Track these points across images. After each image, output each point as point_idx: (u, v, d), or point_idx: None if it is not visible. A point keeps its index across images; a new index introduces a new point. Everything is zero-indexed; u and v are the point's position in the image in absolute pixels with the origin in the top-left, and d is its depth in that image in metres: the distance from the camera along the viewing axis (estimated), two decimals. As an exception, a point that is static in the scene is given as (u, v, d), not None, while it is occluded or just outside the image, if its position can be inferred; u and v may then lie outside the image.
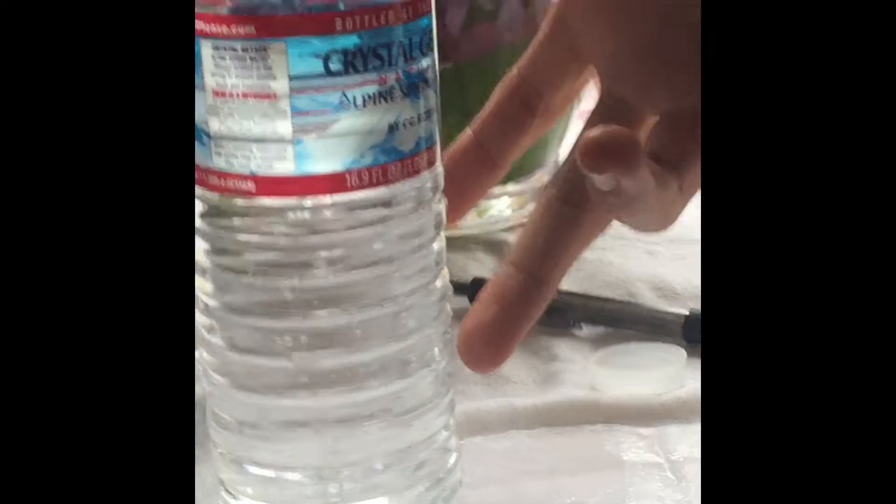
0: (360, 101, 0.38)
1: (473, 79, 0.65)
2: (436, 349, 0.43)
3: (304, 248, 0.40)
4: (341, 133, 0.38)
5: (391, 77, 0.39)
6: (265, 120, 0.38)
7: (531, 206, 0.70)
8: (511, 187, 0.71)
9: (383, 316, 0.41)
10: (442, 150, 0.66)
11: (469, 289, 0.60)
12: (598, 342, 0.57)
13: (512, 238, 0.68)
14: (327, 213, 0.39)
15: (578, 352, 0.56)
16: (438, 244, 0.42)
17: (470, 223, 0.69)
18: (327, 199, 0.39)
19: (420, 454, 0.43)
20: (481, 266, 0.65)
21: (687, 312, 0.56)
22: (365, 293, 0.40)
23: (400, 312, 0.41)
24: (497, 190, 0.70)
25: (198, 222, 0.41)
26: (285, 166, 0.39)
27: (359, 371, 0.41)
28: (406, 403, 0.42)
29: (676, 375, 0.52)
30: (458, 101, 0.66)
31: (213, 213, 0.41)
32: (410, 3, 0.39)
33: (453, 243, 0.67)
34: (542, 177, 0.72)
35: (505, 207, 0.70)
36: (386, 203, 0.40)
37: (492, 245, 0.67)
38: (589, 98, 0.89)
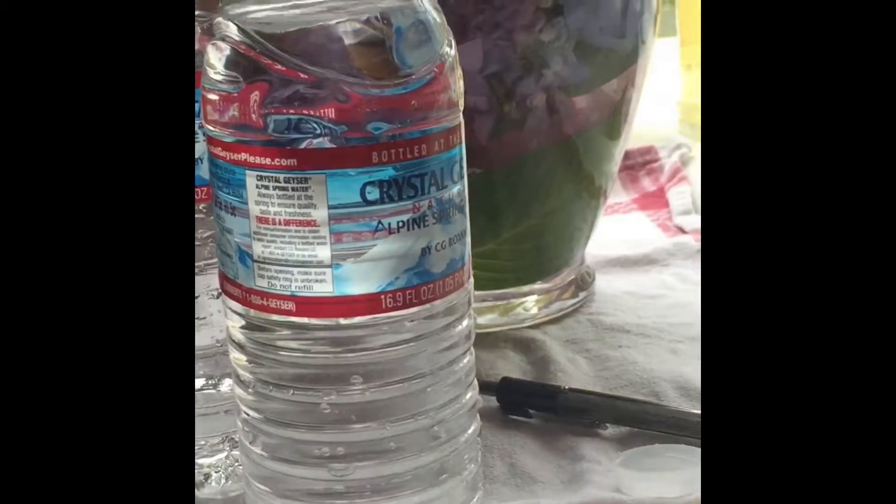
0: (394, 228, 0.41)
1: (501, 184, 0.68)
2: (466, 457, 0.45)
3: (342, 365, 0.42)
4: (377, 258, 0.41)
5: (424, 204, 0.41)
6: (306, 245, 0.41)
7: (557, 305, 0.72)
8: (538, 286, 0.73)
9: (417, 429, 0.43)
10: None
11: (498, 389, 0.62)
12: (624, 442, 0.58)
13: (539, 335, 0.70)
14: (364, 333, 0.42)
15: (604, 452, 0.57)
16: (469, 358, 0.45)
17: (497, 321, 0.71)
18: (364, 319, 0.41)
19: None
20: (509, 364, 0.67)
21: (708, 414, 0.57)
22: (399, 407, 0.42)
23: (433, 425, 0.43)
24: (524, 288, 0.72)
25: (239, 336, 0.44)
26: (324, 288, 0.41)
27: (392, 481, 0.43)
28: (439, 510, 0.44)
29: (698, 477, 0.54)
30: (487, 206, 0.68)
31: (254, 328, 0.43)
32: (443, 135, 0.41)
33: (481, 341, 0.69)
34: (568, 275, 0.74)
35: (532, 305, 0.72)
36: (419, 322, 0.42)
37: (520, 343, 0.69)
38: (615, 195, 0.92)
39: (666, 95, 1.10)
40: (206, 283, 0.55)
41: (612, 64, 0.68)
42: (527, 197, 0.69)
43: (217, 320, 0.54)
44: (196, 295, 0.55)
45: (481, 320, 0.71)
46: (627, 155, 0.97)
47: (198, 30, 0.53)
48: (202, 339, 0.55)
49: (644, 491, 0.53)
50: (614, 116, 0.70)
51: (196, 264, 0.55)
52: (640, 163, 0.96)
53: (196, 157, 0.52)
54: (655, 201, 0.91)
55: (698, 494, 0.53)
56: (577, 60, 0.66)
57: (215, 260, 0.53)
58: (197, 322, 0.55)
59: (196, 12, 0.53)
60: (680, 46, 1.11)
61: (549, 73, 0.65)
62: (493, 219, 0.69)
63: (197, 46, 0.53)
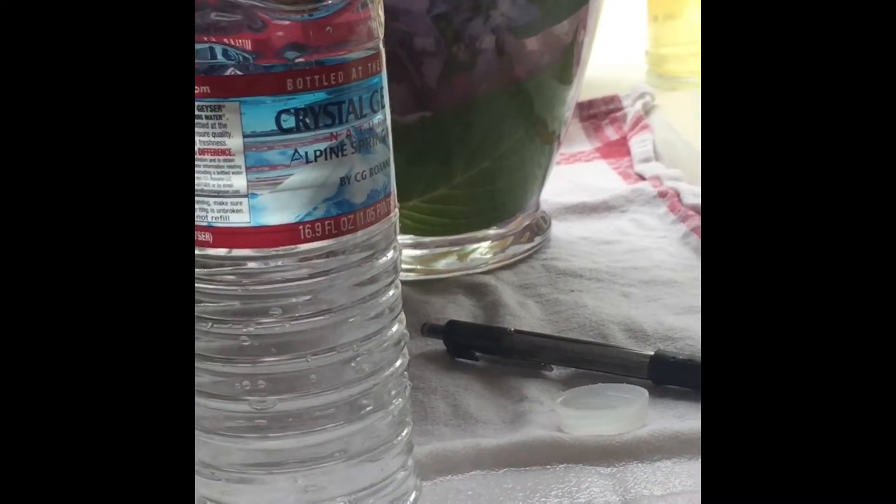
0: (311, 157, 0.40)
1: (452, 127, 0.67)
2: (392, 391, 0.44)
3: (260, 297, 0.41)
4: (294, 187, 0.40)
5: (342, 133, 0.41)
6: (222, 175, 0.40)
7: (512, 250, 0.72)
8: (492, 231, 0.72)
9: (337, 362, 0.42)
10: (419, 196, 0.68)
11: (444, 331, 0.62)
12: (568, 383, 0.58)
13: (492, 280, 0.69)
14: (281, 264, 0.41)
15: (547, 393, 0.57)
16: (393, 291, 0.44)
17: (451, 266, 0.71)
18: (281, 250, 0.41)
19: (381, 493, 0.44)
20: (460, 309, 0.66)
21: (653, 353, 0.57)
22: (319, 340, 0.42)
23: (354, 358, 0.43)
24: (479, 234, 0.72)
25: (163, 271, 0.43)
26: (241, 218, 0.40)
27: (315, 414, 0.42)
28: (363, 445, 0.43)
29: (638, 415, 0.53)
30: (438, 150, 0.68)
31: (176, 262, 0.43)
32: (361, 63, 0.41)
33: (433, 286, 0.69)
34: (522, 221, 0.74)
35: (486, 250, 0.72)
36: (338, 253, 0.42)
37: (472, 288, 0.69)
38: (578, 143, 0.91)
39: (634, 47, 1.09)
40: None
41: (563, 5, 0.68)
42: (478, 141, 0.68)
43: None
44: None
45: (435, 265, 0.71)
46: (591, 104, 0.96)
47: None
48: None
49: (584, 428, 0.53)
50: (565, 59, 0.69)
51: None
52: (604, 111, 0.96)
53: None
54: (618, 150, 0.90)
55: (637, 432, 0.53)
56: (525, 1, 0.65)
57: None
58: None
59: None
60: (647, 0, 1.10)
61: (497, 13, 0.65)
62: (444, 163, 0.69)
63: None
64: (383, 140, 0.42)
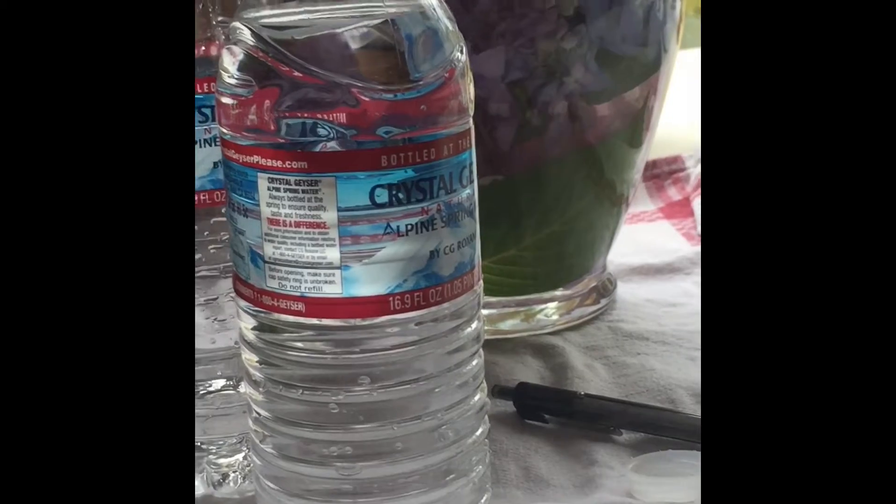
0: (403, 231, 0.41)
1: (523, 190, 0.68)
2: (474, 459, 0.45)
3: (350, 366, 0.42)
4: (385, 260, 0.41)
5: (433, 208, 0.42)
6: (316, 247, 0.41)
7: (579, 311, 0.73)
8: (559, 292, 0.73)
9: (423, 430, 0.43)
10: (489, 257, 0.69)
11: (514, 393, 0.62)
12: (638, 448, 0.59)
13: (559, 342, 0.70)
14: (372, 334, 0.42)
15: (617, 457, 0.58)
16: (477, 361, 0.45)
17: (517, 327, 0.72)
18: (371, 320, 0.42)
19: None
20: (528, 369, 0.67)
21: (723, 421, 0.58)
22: (406, 408, 0.43)
23: (439, 426, 0.44)
24: (546, 295, 0.73)
25: (250, 336, 0.45)
26: (333, 289, 0.42)
27: (399, 481, 0.43)
28: (445, 511, 0.44)
29: (710, 484, 0.54)
30: (509, 212, 0.69)
31: (264, 329, 0.44)
32: (452, 140, 0.42)
33: (501, 346, 0.70)
34: (589, 282, 0.74)
35: (553, 311, 0.73)
36: (426, 324, 0.43)
37: (539, 349, 0.70)
38: (641, 203, 0.92)
39: (695, 106, 1.10)
40: (228, 286, 0.55)
41: (634, 72, 0.69)
42: (548, 203, 0.69)
43: (237, 323, 0.55)
44: (215, 297, 0.56)
45: (503, 326, 0.72)
46: (654, 164, 0.97)
47: (221, 36, 0.54)
48: (222, 340, 0.56)
49: (655, 495, 0.54)
50: (636, 124, 0.70)
51: (216, 266, 0.56)
52: (667, 172, 0.96)
53: (217, 159, 0.53)
54: (681, 210, 0.91)
55: (710, 501, 0.53)
56: (598, 68, 0.66)
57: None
58: (217, 324, 0.56)
59: (220, 18, 0.54)
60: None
61: (570, 80, 0.66)
62: (515, 225, 0.70)
63: (219, 50, 0.54)
64: (471, 214, 0.43)
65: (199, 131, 0.53)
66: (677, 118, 1.01)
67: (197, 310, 0.57)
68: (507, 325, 0.72)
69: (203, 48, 0.54)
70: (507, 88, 0.65)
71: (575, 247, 0.72)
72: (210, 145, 0.53)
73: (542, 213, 0.70)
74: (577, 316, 0.73)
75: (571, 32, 0.65)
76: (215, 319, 0.56)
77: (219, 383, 0.57)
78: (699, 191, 0.91)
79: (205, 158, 0.53)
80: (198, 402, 0.56)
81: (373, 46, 0.41)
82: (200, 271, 0.56)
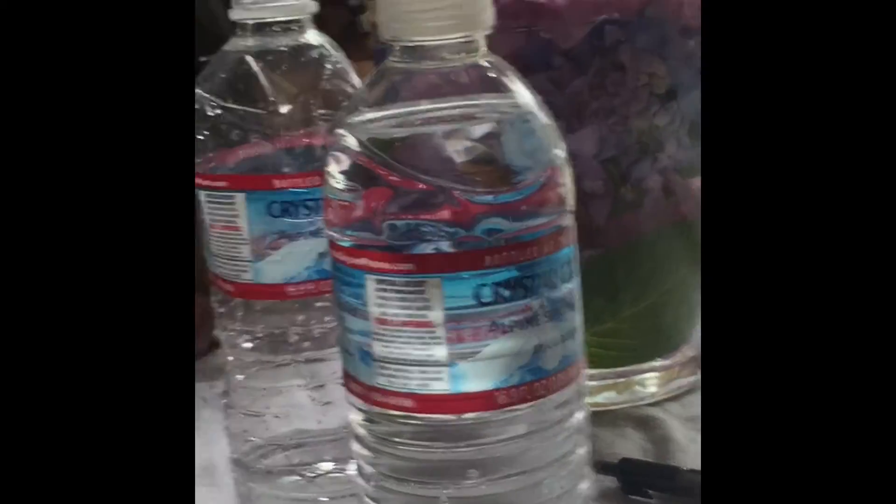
0: (508, 327, 0.42)
1: (619, 264, 0.69)
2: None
3: (459, 459, 0.43)
4: (491, 356, 0.42)
5: (536, 304, 0.43)
6: (423, 346, 0.42)
7: (677, 382, 0.73)
8: (657, 363, 0.73)
9: (532, 519, 0.44)
10: (586, 329, 0.70)
11: (618, 469, 0.63)
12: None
13: (659, 413, 0.70)
14: (479, 427, 0.43)
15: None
16: (582, 450, 0.46)
17: (615, 399, 0.72)
18: (480, 414, 0.43)
19: None
20: (629, 442, 0.68)
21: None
22: (515, 499, 0.44)
23: (548, 516, 0.45)
24: (644, 365, 0.73)
25: (360, 430, 0.46)
26: (441, 386, 0.43)
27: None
28: None
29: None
30: (605, 286, 0.69)
31: (374, 422, 0.45)
32: (553, 237, 0.43)
33: (600, 419, 0.70)
34: (687, 352, 0.75)
35: (651, 382, 0.73)
36: (532, 417, 0.44)
37: (640, 421, 0.70)
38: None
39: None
40: (332, 369, 0.57)
41: (727, 145, 0.69)
42: (645, 276, 0.70)
43: (344, 404, 0.57)
44: (323, 383, 0.57)
45: (601, 398, 0.72)
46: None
47: (323, 128, 0.56)
48: (331, 421, 0.58)
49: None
50: (730, 195, 0.71)
51: (322, 351, 0.58)
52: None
53: (322, 250, 0.55)
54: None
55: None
56: (691, 142, 0.67)
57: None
58: (324, 406, 0.58)
59: (320, 111, 0.56)
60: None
61: (663, 156, 0.67)
62: (611, 299, 0.70)
63: (323, 142, 0.56)
64: (572, 307, 0.44)
65: (304, 223, 0.55)
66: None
67: (303, 392, 0.58)
68: (605, 397, 0.73)
69: (306, 140, 0.56)
70: (601, 165, 0.66)
71: (672, 318, 0.73)
72: (314, 237, 0.55)
73: (639, 286, 0.70)
74: (676, 387, 0.73)
75: (664, 109, 0.66)
76: (323, 402, 0.58)
77: (328, 466, 0.58)
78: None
79: (311, 250, 0.55)
80: (306, 486, 0.58)
81: (475, 150, 0.42)
82: (305, 355, 0.58)
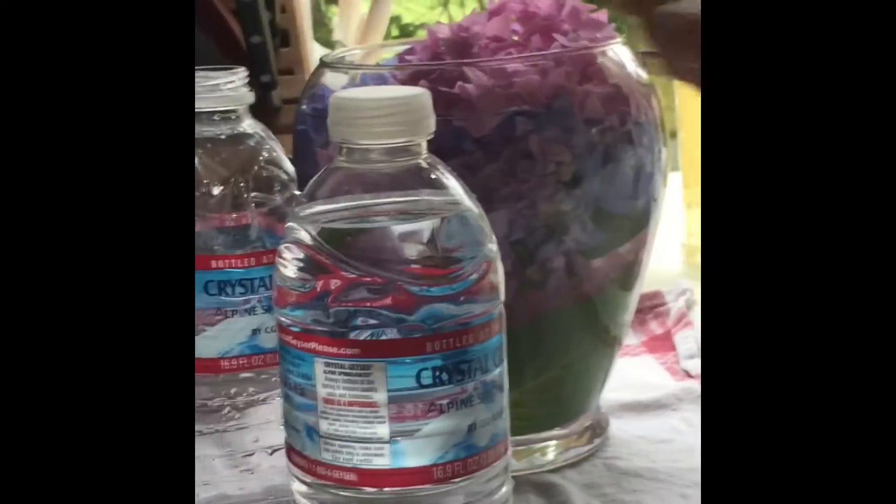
0: (445, 408, 0.46)
1: (524, 339, 0.73)
2: None
3: (399, 529, 0.47)
4: (430, 434, 0.46)
5: (470, 387, 0.47)
6: (367, 424, 0.46)
7: (575, 450, 0.77)
8: (556, 431, 0.78)
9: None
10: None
11: (523, 534, 0.67)
12: (641, 585, 0.63)
13: (559, 480, 0.74)
14: (418, 500, 0.47)
15: None
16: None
17: (517, 466, 0.76)
18: (418, 488, 0.47)
19: None
20: (532, 508, 0.72)
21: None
22: (450, 567, 0.48)
23: (477, 582, 0.48)
24: (544, 434, 0.77)
25: (304, 501, 0.49)
26: (383, 461, 0.46)
27: None
28: None
29: None
30: (510, 359, 0.73)
31: (318, 494, 0.48)
32: (487, 326, 0.47)
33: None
34: (584, 421, 0.79)
35: (550, 450, 0.77)
36: (467, 490, 0.47)
37: (540, 487, 0.74)
38: (631, 336, 0.97)
39: (671, 235, 1.15)
40: (254, 436, 0.60)
41: (626, 227, 0.74)
42: (548, 351, 0.74)
43: (268, 473, 0.60)
44: (251, 452, 0.60)
45: (504, 464, 0.76)
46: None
47: (255, 210, 0.59)
48: (253, 487, 0.61)
49: None
50: (629, 273, 0.76)
51: (251, 422, 0.61)
52: (648, 307, 1.01)
53: (255, 327, 0.58)
54: (663, 344, 0.96)
55: None
56: (594, 226, 0.71)
57: (266, 418, 0.59)
58: (248, 474, 0.61)
59: (253, 194, 0.60)
60: (683, 188, 1.16)
61: (568, 238, 0.71)
62: (516, 371, 0.74)
63: (255, 223, 0.59)
64: (502, 389, 0.48)
65: (239, 301, 0.58)
66: (657, 255, 1.07)
67: (225, 461, 0.61)
68: (508, 463, 0.76)
69: (237, 221, 0.60)
70: (509, 247, 0.70)
71: (572, 389, 0.77)
72: (249, 315, 0.58)
73: (542, 360, 0.74)
74: (574, 455, 0.77)
75: (569, 195, 0.70)
76: (246, 470, 0.61)
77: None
78: (679, 325, 0.97)
79: (245, 326, 0.58)
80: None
81: (420, 246, 0.46)
82: (232, 425, 0.61)
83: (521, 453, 0.77)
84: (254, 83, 0.63)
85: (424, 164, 0.47)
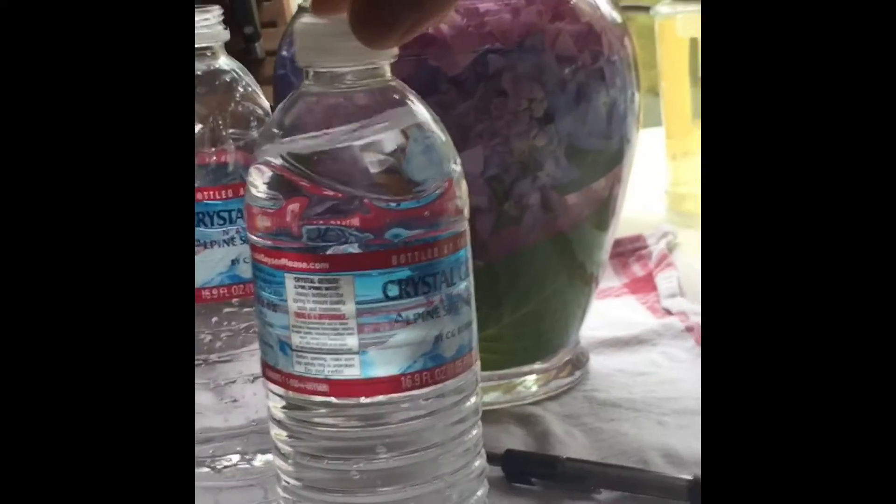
0: (412, 319, 0.48)
1: (502, 275, 0.75)
2: (475, 516, 0.52)
3: (369, 437, 0.49)
4: (397, 345, 0.48)
5: (436, 299, 0.48)
6: (337, 336, 0.48)
7: (555, 383, 0.79)
8: (537, 366, 0.80)
9: (432, 491, 0.50)
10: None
11: (502, 460, 0.69)
12: (616, 505, 0.65)
13: (539, 411, 0.76)
14: (386, 409, 0.49)
15: (598, 514, 0.64)
16: (476, 430, 0.52)
17: (499, 399, 0.78)
18: (387, 397, 0.48)
19: None
20: (513, 438, 0.74)
21: (691, 477, 0.64)
22: (419, 473, 0.50)
23: (447, 488, 0.50)
24: (525, 368, 0.79)
25: (279, 414, 0.51)
26: (353, 372, 0.48)
27: (412, 535, 0.50)
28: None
29: (682, 535, 0.60)
30: (489, 295, 0.75)
31: (292, 408, 0.50)
32: (451, 240, 0.49)
33: (486, 417, 0.76)
34: (564, 355, 0.81)
35: (532, 384, 0.79)
36: (433, 399, 0.49)
37: (522, 418, 0.76)
38: (608, 280, 0.99)
39: (655, 184, 1.17)
40: (239, 369, 0.62)
41: (600, 164, 0.76)
42: (525, 286, 0.76)
43: (251, 402, 0.62)
44: (233, 380, 0.62)
45: (486, 398, 0.78)
46: (618, 243, 1.04)
47: (233, 146, 0.61)
48: (237, 419, 0.63)
49: (633, 547, 0.60)
50: (603, 210, 0.77)
51: (233, 352, 0.63)
52: (630, 250, 1.03)
53: (234, 257, 0.60)
54: (644, 286, 0.98)
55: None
56: (567, 162, 0.73)
57: (247, 348, 0.60)
58: (232, 404, 0.63)
59: (231, 130, 0.62)
60: (666, 139, 1.18)
61: (542, 174, 0.73)
62: (494, 306, 0.76)
63: (232, 159, 0.61)
64: (468, 302, 0.50)
65: (218, 233, 0.60)
66: (637, 197, 1.09)
67: (210, 393, 0.63)
68: (490, 397, 0.78)
69: (216, 157, 0.61)
70: (485, 183, 0.72)
71: (550, 324, 0.79)
72: (228, 245, 0.60)
73: (520, 295, 0.76)
74: (555, 387, 0.80)
75: (542, 131, 0.72)
76: (230, 401, 0.63)
77: (234, 458, 0.63)
78: (661, 266, 0.99)
79: (224, 256, 0.60)
80: (214, 476, 0.62)
81: (384, 163, 0.48)
82: (214, 356, 0.63)
83: (503, 387, 0.79)
84: (237, 35, 0.64)
85: (389, 87, 0.49)
